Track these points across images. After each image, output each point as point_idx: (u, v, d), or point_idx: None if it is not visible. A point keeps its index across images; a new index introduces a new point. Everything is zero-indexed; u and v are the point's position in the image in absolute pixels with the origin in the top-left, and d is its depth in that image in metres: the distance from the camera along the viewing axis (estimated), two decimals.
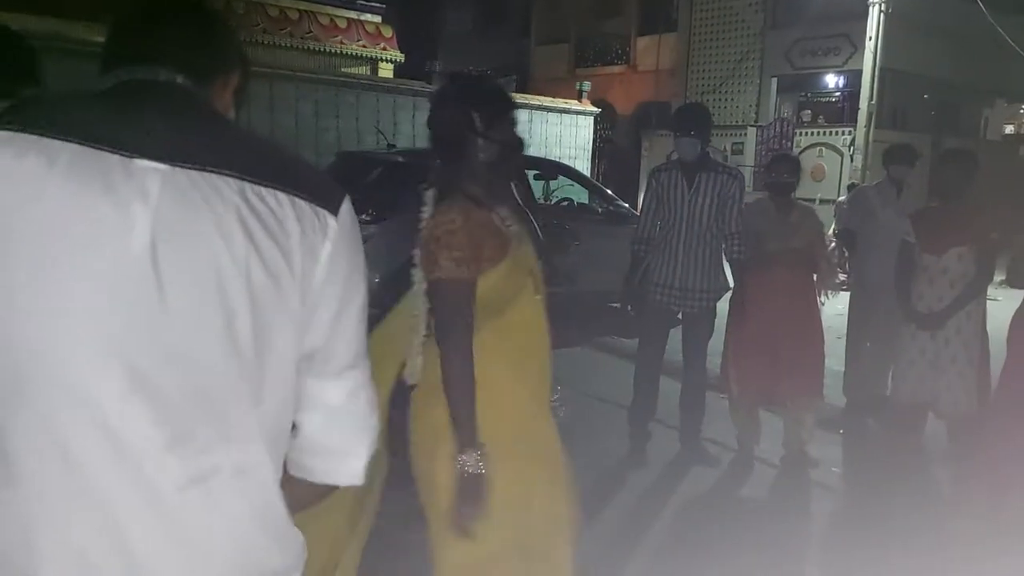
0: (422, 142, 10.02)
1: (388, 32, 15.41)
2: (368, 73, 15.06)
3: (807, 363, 4.28)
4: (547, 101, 13.61)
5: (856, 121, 15.53)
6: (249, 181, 1.01)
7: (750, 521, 3.76)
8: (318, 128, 10.95)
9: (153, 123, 1.01)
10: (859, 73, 15.21)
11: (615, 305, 4.25)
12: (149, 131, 0.99)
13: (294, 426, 1.13)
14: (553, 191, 9.69)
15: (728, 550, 3.41)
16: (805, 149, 16.63)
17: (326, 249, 1.06)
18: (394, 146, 9.03)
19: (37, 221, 0.93)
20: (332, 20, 14.70)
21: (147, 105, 1.04)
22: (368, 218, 6.03)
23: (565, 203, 8.99)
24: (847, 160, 15.93)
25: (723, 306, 4.36)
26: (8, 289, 0.93)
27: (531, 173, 8.28)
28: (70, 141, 0.95)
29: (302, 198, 1.04)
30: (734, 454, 4.49)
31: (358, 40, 14.97)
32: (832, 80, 18.50)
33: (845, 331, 5.43)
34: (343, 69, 14.78)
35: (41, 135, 0.95)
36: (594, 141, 14.12)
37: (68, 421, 0.94)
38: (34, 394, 0.94)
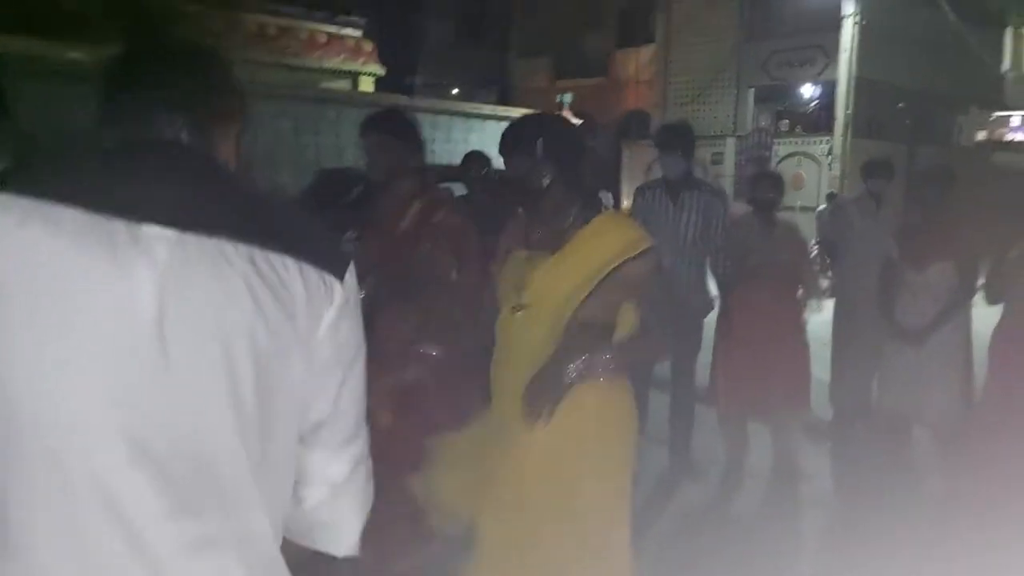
0: None
1: (368, 46, 15.41)
2: (349, 88, 15.06)
3: (793, 374, 4.33)
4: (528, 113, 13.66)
5: (833, 130, 15.74)
6: (259, 247, 1.00)
7: (742, 536, 3.79)
8: (298, 145, 10.93)
9: (159, 187, 0.99)
10: (835, 83, 15.42)
11: None
12: (156, 196, 0.98)
13: (294, 498, 1.12)
14: None
15: (720, 565, 3.43)
16: (784, 158, 16.83)
17: (330, 315, 1.06)
18: None
19: (41, 288, 0.91)
20: (311, 35, 14.68)
21: (153, 167, 1.02)
22: (352, 235, 6.03)
23: None
24: (825, 168, 16.13)
25: (708, 320, 4.41)
26: (11, 356, 0.92)
27: None
28: (75, 207, 0.93)
29: (309, 264, 1.04)
30: (723, 467, 4.52)
31: (339, 55, 14.96)
32: (808, 90, 18.72)
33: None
34: (324, 84, 14.76)
35: (43, 201, 0.93)
36: None
37: (69, 490, 0.93)
38: (35, 462, 0.93)
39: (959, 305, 3.94)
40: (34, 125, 7.89)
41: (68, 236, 0.92)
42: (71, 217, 0.92)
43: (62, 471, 0.92)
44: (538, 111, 2.70)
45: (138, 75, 1.10)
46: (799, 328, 4.44)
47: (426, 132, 11.32)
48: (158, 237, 0.95)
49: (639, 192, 4.41)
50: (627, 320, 2.17)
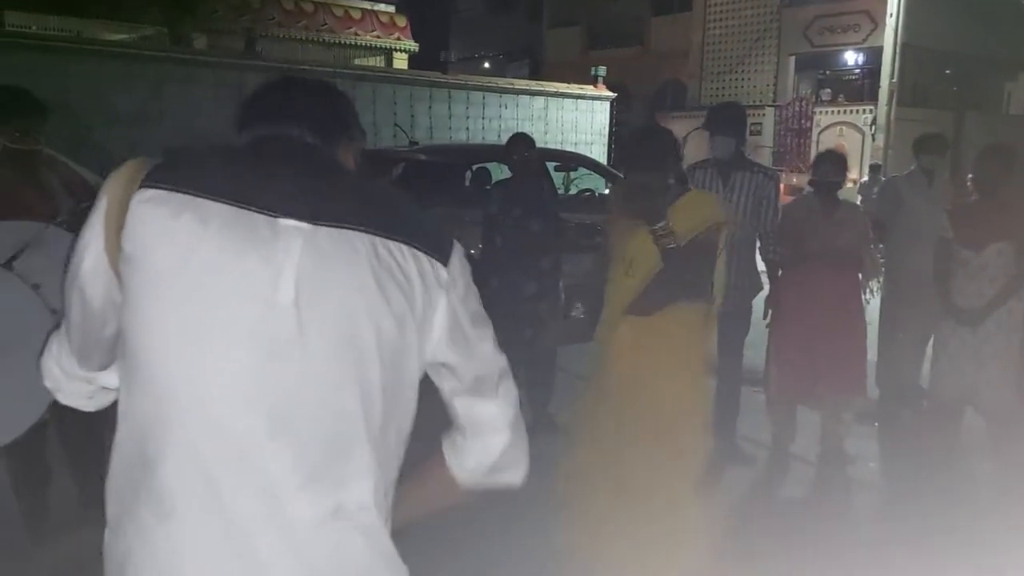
0: (440, 135, 10.04)
1: (402, 21, 15.36)
2: (382, 64, 15.02)
3: (850, 361, 4.24)
4: (562, 87, 13.52)
5: (877, 99, 15.37)
6: (379, 236, 1.10)
7: (789, 521, 3.74)
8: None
9: (292, 182, 1.10)
10: (880, 50, 15.05)
11: None
12: (290, 191, 1.09)
13: (478, 449, 1.25)
14: (573, 181, 9.64)
15: (767, 551, 3.39)
16: (825, 128, 16.50)
17: (441, 297, 1.16)
18: (416, 143, 9.00)
19: (192, 274, 1.03)
20: (346, 11, 14.67)
21: (286, 163, 1.14)
22: None
23: (587, 194, 8.92)
24: (868, 139, 15.78)
25: (756, 303, 4.33)
26: (164, 336, 1.04)
27: (551, 164, 8.24)
28: (222, 202, 1.05)
29: (420, 249, 1.13)
30: (769, 452, 4.47)
31: (372, 31, 14.93)
32: (852, 57, 18.30)
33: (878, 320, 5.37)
34: (357, 60, 14.76)
35: (194, 195, 1.05)
36: (610, 126, 14.01)
37: (215, 459, 1.04)
38: (186, 432, 1.04)
39: (1017, 286, 3.83)
40: (77, 104, 8.01)
41: (217, 228, 1.04)
42: (219, 211, 1.05)
43: (210, 441, 1.04)
44: (654, 126, 3.45)
45: (270, 91, 1.24)
46: (859, 313, 4.35)
47: (460, 109, 11.40)
48: (295, 230, 1.06)
49: (690, 171, 4.32)
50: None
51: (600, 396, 2.98)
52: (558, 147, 12.40)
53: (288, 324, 1.04)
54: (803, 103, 17.19)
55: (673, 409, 2.87)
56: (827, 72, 18.88)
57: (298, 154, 1.16)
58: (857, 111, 16.20)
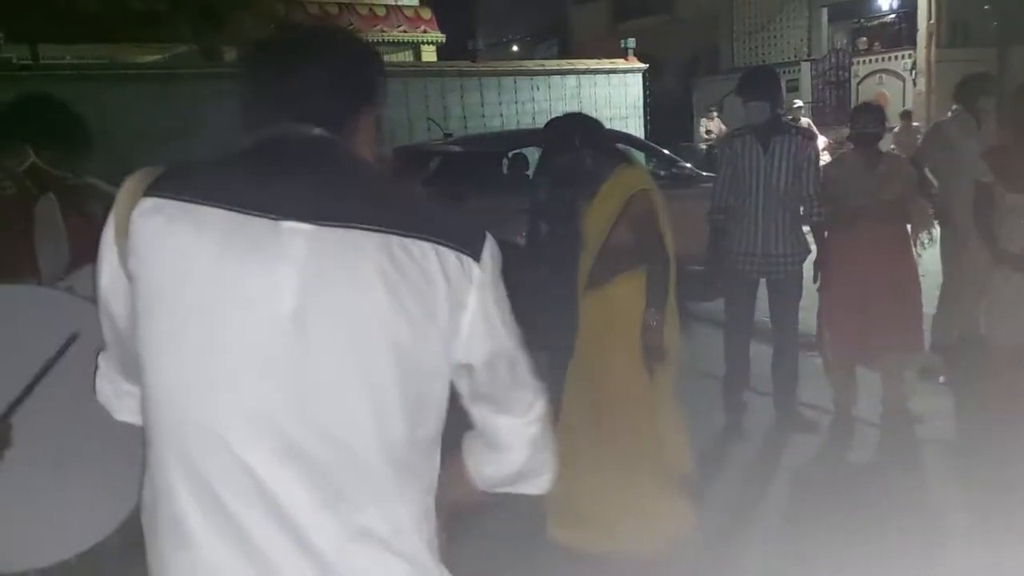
0: (474, 124, 10.00)
1: (427, 14, 15.34)
2: (411, 58, 15.05)
3: (906, 317, 4.17)
4: (593, 63, 13.39)
5: (915, 43, 14.91)
6: (394, 233, 1.01)
7: (861, 486, 3.71)
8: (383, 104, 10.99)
9: (296, 182, 1.03)
10: None
11: (696, 268, 4.19)
12: (292, 191, 1.01)
13: (493, 460, 1.21)
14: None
15: (841, 518, 3.37)
16: (864, 78, 16.08)
17: (472, 296, 1.07)
18: (450, 135, 9.02)
19: (190, 286, 0.98)
20: (371, 9, 14.69)
21: (289, 162, 1.06)
22: None
23: None
24: (910, 84, 15.34)
25: (806, 267, 4.28)
26: (162, 353, 0.99)
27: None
28: (220, 207, 0.99)
29: (444, 245, 1.04)
30: (831, 416, 4.42)
31: (398, 26, 14.94)
32: (886, 2, 17.77)
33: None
34: (386, 57, 14.79)
35: (191, 201, 0.99)
36: (644, 98, 13.84)
37: (227, 486, 0.98)
38: (192, 457, 0.99)
39: None
40: (116, 130, 8.19)
41: (214, 235, 0.97)
42: (216, 217, 0.98)
43: (221, 468, 0.98)
44: (573, 113, 3.62)
45: (270, 79, 1.11)
46: (911, 267, 4.27)
47: (492, 96, 11.29)
48: (296, 232, 0.98)
49: (728, 141, 4.28)
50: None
51: (574, 374, 3.19)
52: None
53: (292, 337, 0.97)
54: (839, 54, 16.74)
55: (631, 378, 3.08)
56: (861, 20, 18.37)
57: (305, 150, 1.07)
58: (896, 57, 15.72)
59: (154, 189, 1.01)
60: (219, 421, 0.98)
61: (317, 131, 1.08)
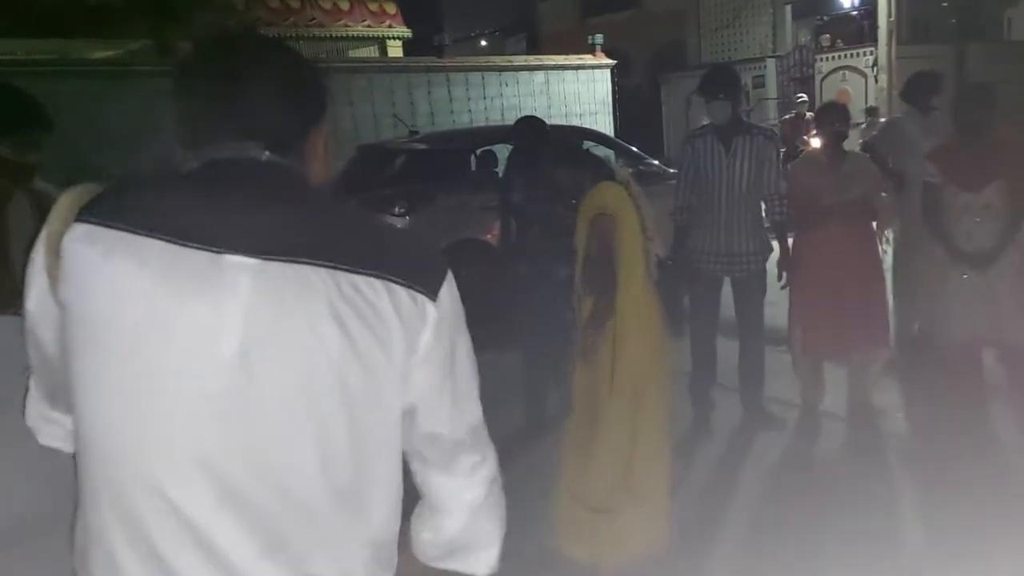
0: (442, 120, 9.96)
1: (392, 9, 15.22)
2: (376, 54, 14.93)
3: (873, 313, 4.23)
4: (561, 59, 13.40)
5: (877, 39, 15.10)
6: (342, 270, 0.96)
7: (828, 481, 3.75)
8: (334, 116, 10.89)
9: (241, 213, 0.97)
10: None
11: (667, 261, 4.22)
12: (238, 222, 0.95)
13: (430, 525, 1.13)
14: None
15: (809, 512, 3.41)
16: (828, 75, 16.25)
17: (425, 337, 1.01)
18: (416, 131, 8.96)
19: (129, 323, 0.91)
20: (334, 4, 14.53)
21: (236, 190, 0.99)
22: (401, 211, 6.03)
23: None
24: (872, 81, 15.54)
25: (769, 266, 4.32)
26: (96, 394, 0.93)
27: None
28: (159, 239, 0.92)
29: (398, 283, 0.99)
30: (798, 411, 4.47)
31: (363, 21, 14.81)
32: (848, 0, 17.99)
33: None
34: (351, 53, 14.66)
35: (129, 231, 0.92)
36: (613, 94, 13.88)
37: (162, 531, 0.93)
38: (132, 505, 0.93)
39: (1020, 222, 3.79)
40: (70, 127, 8.01)
41: (153, 269, 0.91)
42: (156, 249, 0.91)
43: (154, 511, 0.92)
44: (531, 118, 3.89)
45: (216, 95, 1.03)
46: (877, 263, 4.34)
47: (460, 91, 11.24)
48: (241, 267, 0.93)
49: (689, 141, 4.29)
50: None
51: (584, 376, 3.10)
52: (562, 121, 12.32)
53: (235, 377, 0.91)
54: (803, 51, 16.93)
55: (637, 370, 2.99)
56: (824, 17, 18.60)
57: (253, 177, 1.01)
58: (858, 54, 15.92)
59: (89, 213, 0.94)
60: (154, 464, 0.92)
61: (267, 155, 1.02)
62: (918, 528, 3.35)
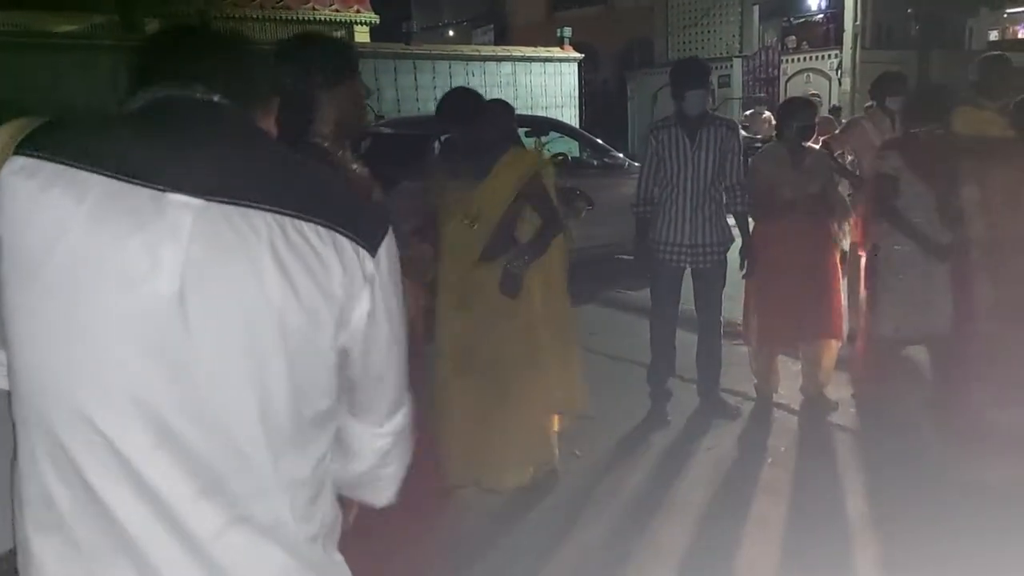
0: (408, 107, 9.89)
1: None
2: (344, 38, 14.76)
3: (828, 307, 4.28)
4: (529, 51, 13.37)
5: (842, 43, 15.34)
6: (289, 215, 0.95)
7: (778, 472, 3.78)
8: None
9: (188, 150, 0.95)
10: None
11: (626, 257, 4.23)
12: (183, 160, 0.93)
13: (340, 464, 1.15)
14: (545, 145, 9.55)
15: (757, 502, 3.44)
16: (792, 76, 16.49)
17: (365, 291, 1.01)
18: (382, 116, 8.89)
19: (64, 259, 0.89)
20: None
21: (183, 127, 0.98)
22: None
23: (560, 158, 8.86)
24: (835, 83, 15.78)
25: (731, 256, 4.34)
26: (31, 332, 0.91)
27: (522, 131, 8.16)
28: (100, 173, 0.90)
29: (342, 233, 0.98)
30: (753, 403, 4.51)
31: (330, 5, 14.64)
32: (814, 2, 18.23)
33: None
34: None
35: (69, 165, 0.90)
36: (580, 88, 13.90)
37: (92, 461, 0.92)
38: (65, 440, 0.92)
39: (974, 214, 3.86)
40: (31, 102, 7.81)
41: (92, 204, 0.89)
42: (96, 183, 0.89)
43: (90, 450, 0.91)
44: (460, 89, 3.59)
45: (171, 45, 1.08)
46: (833, 257, 4.40)
47: (426, 79, 11.17)
48: (183, 206, 0.90)
49: (653, 132, 4.28)
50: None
51: (460, 331, 3.40)
52: (528, 112, 12.31)
53: (172, 319, 0.90)
54: (769, 52, 17.14)
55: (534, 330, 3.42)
56: (791, 19, 18.83)
57: (202, 117, 1.00)
58: (823, 57, 16.17)
59: (29, 145, 0.92)
60: (86, 403, 0.91)
61: (217, 97, 1.01)
62: (867, 519, 3.38)
